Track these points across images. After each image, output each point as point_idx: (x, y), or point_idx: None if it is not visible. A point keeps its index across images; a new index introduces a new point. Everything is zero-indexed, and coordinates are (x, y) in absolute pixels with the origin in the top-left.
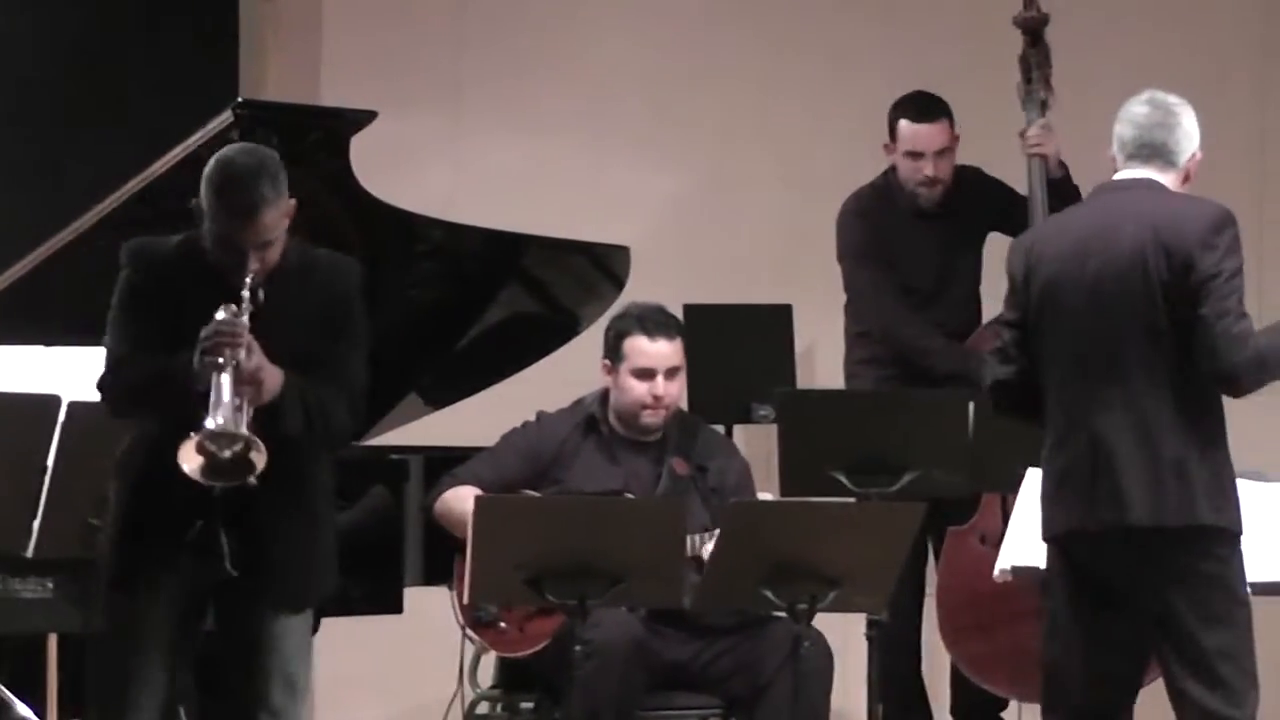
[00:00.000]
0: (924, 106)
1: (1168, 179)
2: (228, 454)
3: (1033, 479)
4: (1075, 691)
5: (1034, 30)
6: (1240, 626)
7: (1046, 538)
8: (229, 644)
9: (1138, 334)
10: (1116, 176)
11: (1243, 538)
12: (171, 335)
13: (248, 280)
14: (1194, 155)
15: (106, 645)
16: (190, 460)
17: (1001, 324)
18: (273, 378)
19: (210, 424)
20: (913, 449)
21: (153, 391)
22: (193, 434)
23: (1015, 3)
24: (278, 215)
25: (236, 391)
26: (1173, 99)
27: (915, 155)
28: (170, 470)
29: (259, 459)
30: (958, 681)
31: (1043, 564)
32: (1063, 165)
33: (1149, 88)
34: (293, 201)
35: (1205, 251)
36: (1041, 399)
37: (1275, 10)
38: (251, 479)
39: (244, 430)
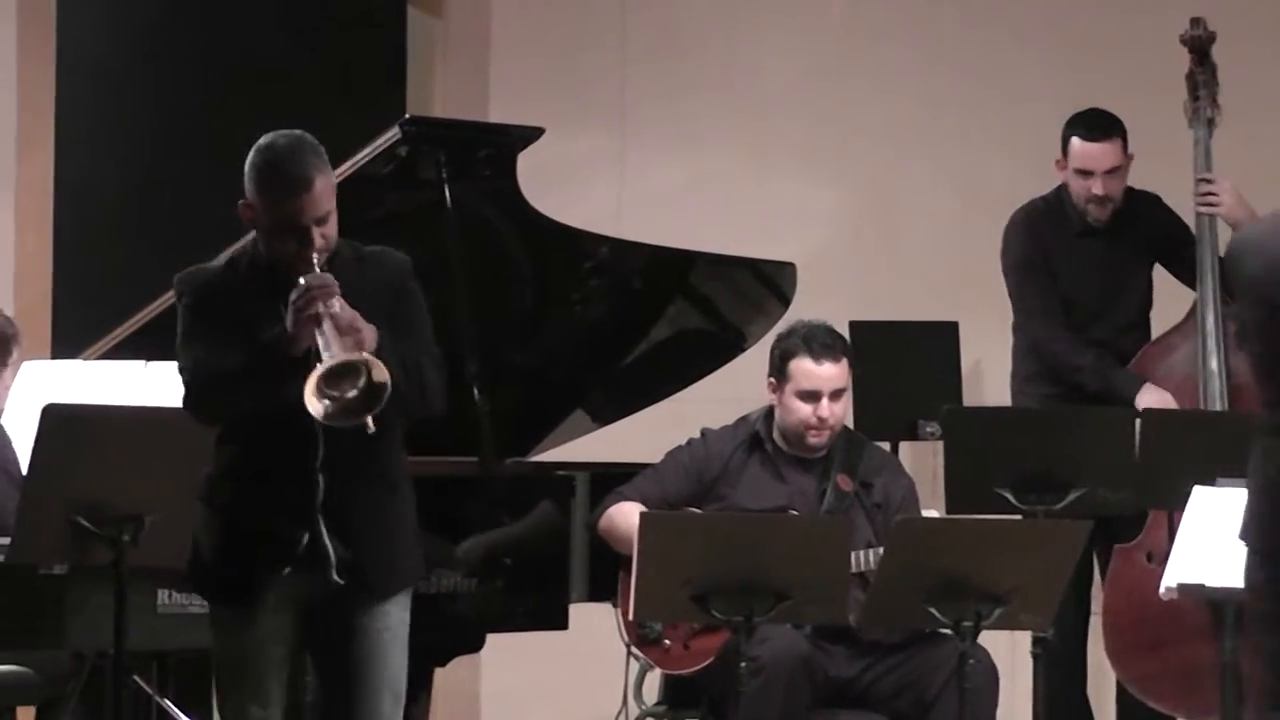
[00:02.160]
0: (1097, 124)
1: None
2: (352, 392)
3: (1199, 496)
4: None
5: (1201, 49)
6: None
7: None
8: (333, 662)
9: None
10: None
11: None
12: (243, 344)
13: (314, 257)
14: None
15: (223, 674)
16: (315, 404)
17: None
18: (369, 328)
19: (327, 360)
20: (1079, 466)
21: (247, 377)
22: (312, 375)
23: (1182, 21)
24: (327, 185)
25: (340, 342)
26: None
27: (1085, 173)
28: (267, 487)
29: (382, 376)
30: (1124, 701)
31: (1209, 581)
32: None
33: None
34: (334, 182)
35: None
36: None
37: None
38: (378, 409)
39: (359, 354)
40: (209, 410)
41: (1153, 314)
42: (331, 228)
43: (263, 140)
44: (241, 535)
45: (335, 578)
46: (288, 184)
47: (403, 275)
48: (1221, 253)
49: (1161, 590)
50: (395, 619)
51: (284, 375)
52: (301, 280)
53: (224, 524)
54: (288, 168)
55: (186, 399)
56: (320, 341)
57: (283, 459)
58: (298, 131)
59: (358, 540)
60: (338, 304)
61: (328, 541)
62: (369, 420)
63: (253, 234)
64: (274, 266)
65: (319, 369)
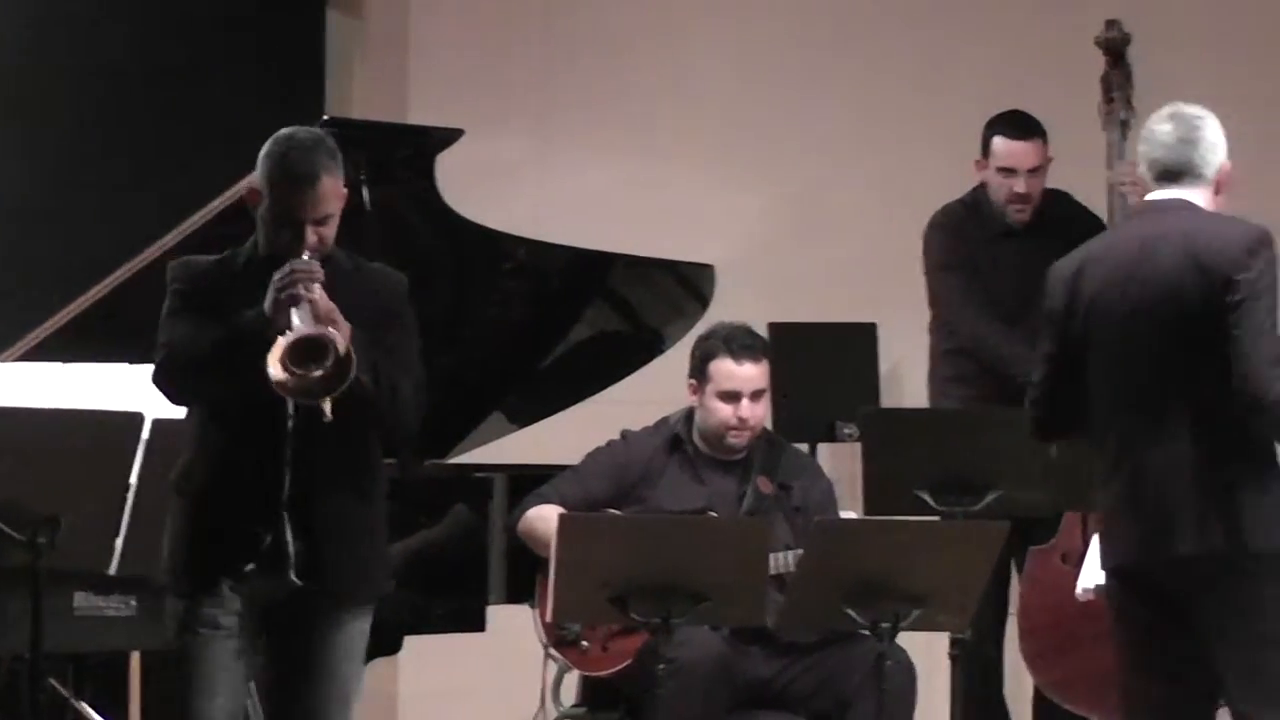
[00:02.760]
0: (1020, 124)
1: (1199, 194)
2: (317, 372)
3: None
4: (1150, 717)
5: (1116, 50)
6: None
7: (1105, 569)
8: (285, 668)
9: (1181, 360)
10: (1149, 198)
11: None
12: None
13: (305, 255)
14: (1222, 165)
15: (181, 673)
16: (277, 372)
17: (1041, 358)
18: (345, 323)
19: (296, 330)
20: (996, 468)
21: (217, 355)
22: (279, 343)
23: (1099, 23)
24: (335, 188)
25: (313, 324)
26: (1194, 110)
27: (1008, 172)
28: (236, 483)
29: (348, 362)
30: (1041, 702)
31: None
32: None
33: (1230, 106)
34: (344, 190)
35: (1240, 272)
36: (1082, 429)
37: None
38: (337, 391)
39: (327, 331)
40: (177, 386)
41: None
42: (330, 231)
43: (284, 130)
44: (205, 528)
45: (294, 578)
46: (296, 176)
47: (397, 296)
48: None
49: (1078, 591)
50: (354, 630)
51: (255, 356)
52: (287, 264)
53: (190, 515)
54: (299, 160)
55: (157, 373)
56: (295, 323)
57: (251, 453)
58: (321, 131)
59: (321, 543)
60: (318, 291)
61: (290, 540)
62: (326, 407)
63: (252, 238)
64: (268, 263)
65: (287, 337)
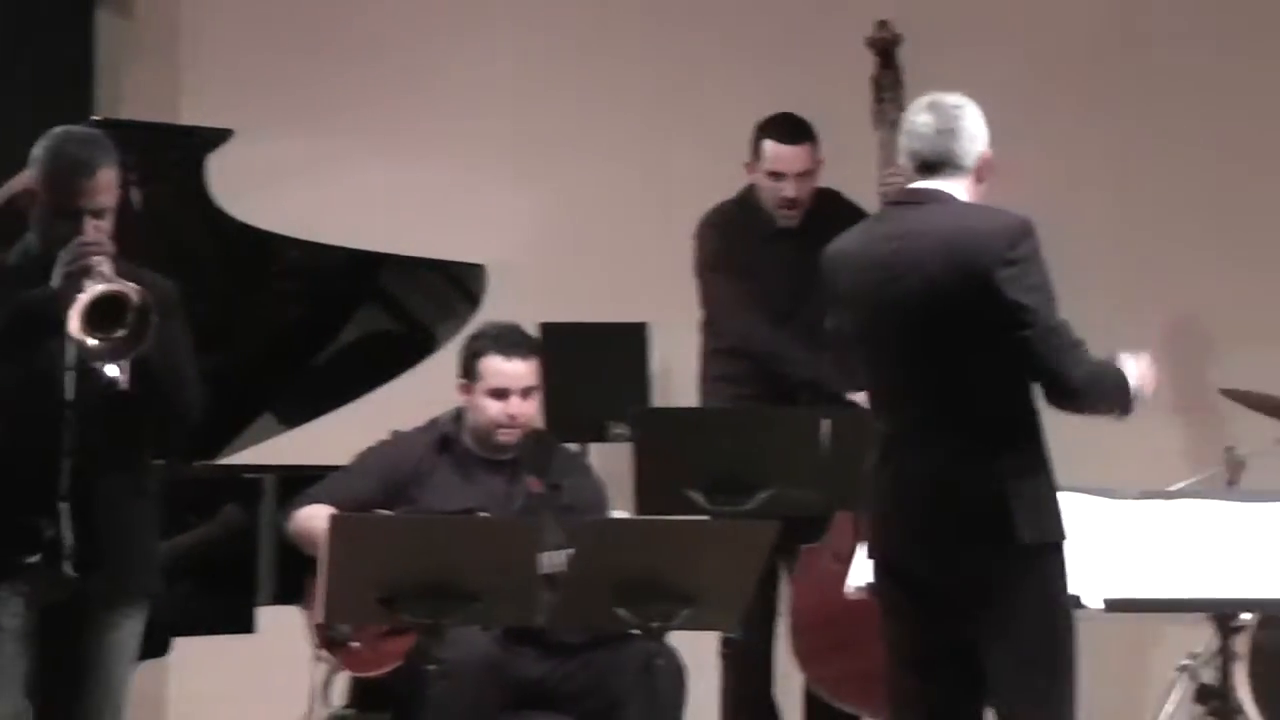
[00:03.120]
0: (790, 128)
1: (960, 185)
2: (120, 332)
3: None
4: (920, 715)
5: (886, 51)
6: (1064, 640)
7: (874, 559)
8: (57, 669)
9: (945, 356)
10: (909, 187)
11: (1066, 546)
12: None
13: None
14: (982, 155)
15: None
16: (83, 336)
17: (832, 334)
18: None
19: (96, 287)
20: (767, 467)
21: (8, 335)
22: (80, 300)
23: (870, 24)
24: (110, 182)
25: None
26: (953, 100)
27: (778, 176)
28: (13, 471)
29: (138, 296)
30: (811, 701)
31: None
32: None
33: (1001, 106)
34: (116, 184)
35: (1002, 266)
36: None
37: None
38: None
39: (125, 285)
40: None
41: None
42: (107, 226)
43: (58, 128)
44: None
45: (69, 571)
46: (73, 165)
47: (168, 303)
48: None
49: (847, 590)
50: (128, 630)
51: (42, 334)
52: (74, 240)
53: None
54: (76, 151)
55: None
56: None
57: (30, 442)
58: (98, 131)
59: (98, 534)
60: (108, 266)
61: (68, 532)
62: (123, 376)
63: (22, 242)
64: (45, 262)
65: (84, 296)
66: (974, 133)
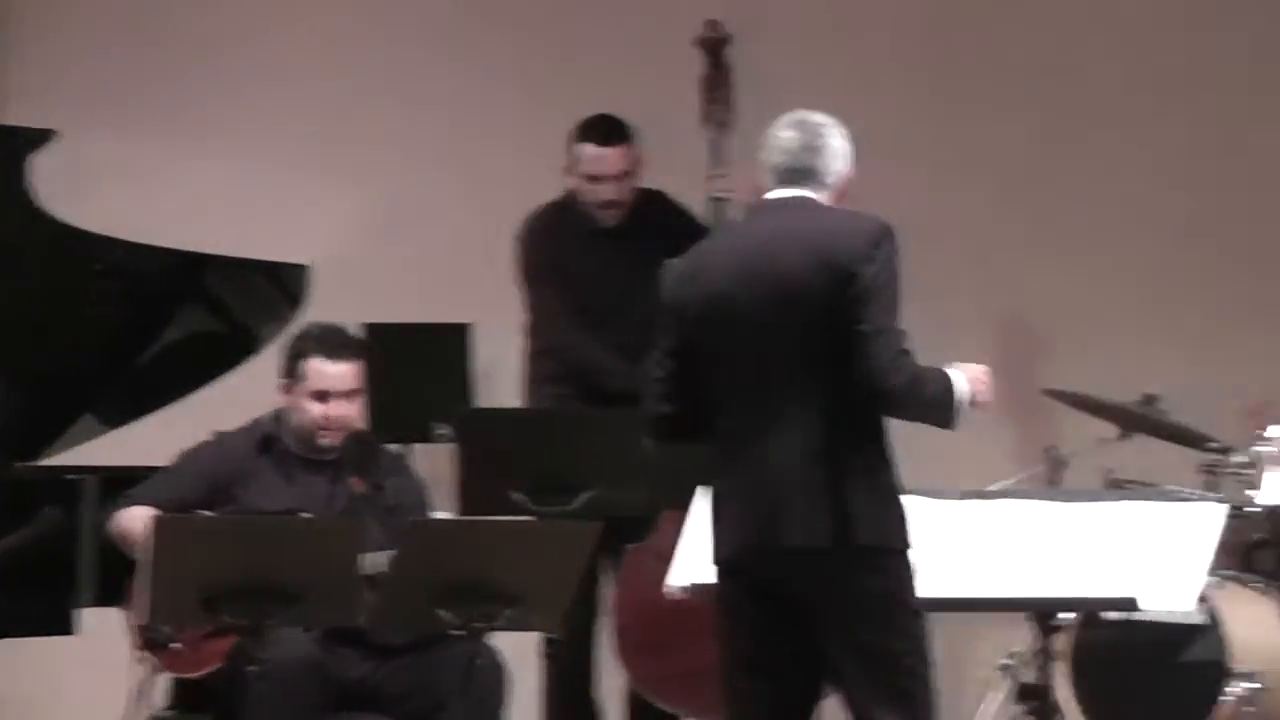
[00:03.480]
0: (606, 131)
1: (821, 198)
2: None
3: (705, 496)
4: (754, 716)
5: (715, 50)
6: (915, 640)
7: (715, 561)
8: None
9: (801, 357)
10: (769, 195)
11: (910, 552)
12: None
13: None
14: (845, 174)
15: None
16: None
17: (661, 353)
18: None
19: None
20: (590, 467)
21: None
22: None
23: (699, 23)
24: None
25: None
26: (820, 118)
27: (596, 179)
28: None
29: None
30: (633, 701)
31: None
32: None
33: (831, 105)
34: None
35: (863, 265)
36: (705, 427)
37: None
38: None
39: None
40: None
41: None
42: None
43: None
44: None
45: None
46: None
47: None
48: None
49: (670, 589)
50: None
51: None
52: None
53: None
54: None
55: None
56: None
57: None
58: None
59: None
60: None
61: None
62: None
63: None
64: None
65: None
66: (838, 151)
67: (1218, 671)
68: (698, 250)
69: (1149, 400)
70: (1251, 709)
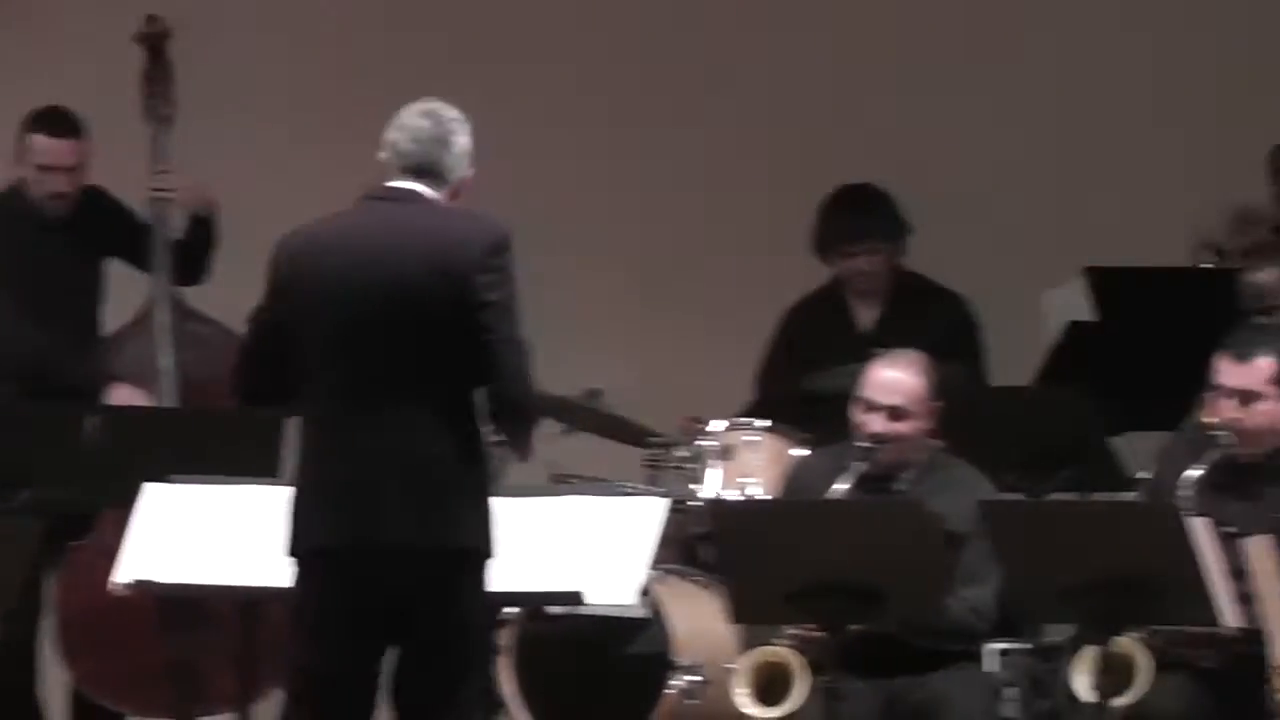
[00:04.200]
0: (58, 122)
1: (438, 196)
2: None
3: (151, 493)
4: (323, 708)
5: (155, 46)
6: (488, 647)
7: (299, 552)
8: None
9: (409, 354)
10: (389, 184)
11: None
12: None
13: None
14: (465, 175)
15: None
16: None
17: (258, 321)
18: None
19: None
20: (30, 464)
21: None
22: None
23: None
24: None
25: None
26: (453, 113)
27: (46, 169)
28: None
29: None
30: (76, 700)
31: (160, 578)
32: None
33: (286, 106)
34: None
35: (484, 274)
36: (292, 395)
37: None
38: None
39: None
40: None
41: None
42: None
43: None
44: None
45: None
46: None
47: None
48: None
49: (113, 585)
50: None
51: None
52: None
53: None
54: None
55: None
56: None
57: None
58: None
59: None
60: None
61: None
62: None
63: None
64: None
65: None
66: (464, 150)
67: (661, 664)
68: (311, 230)
69: (592, 395)
70: (694, 701)
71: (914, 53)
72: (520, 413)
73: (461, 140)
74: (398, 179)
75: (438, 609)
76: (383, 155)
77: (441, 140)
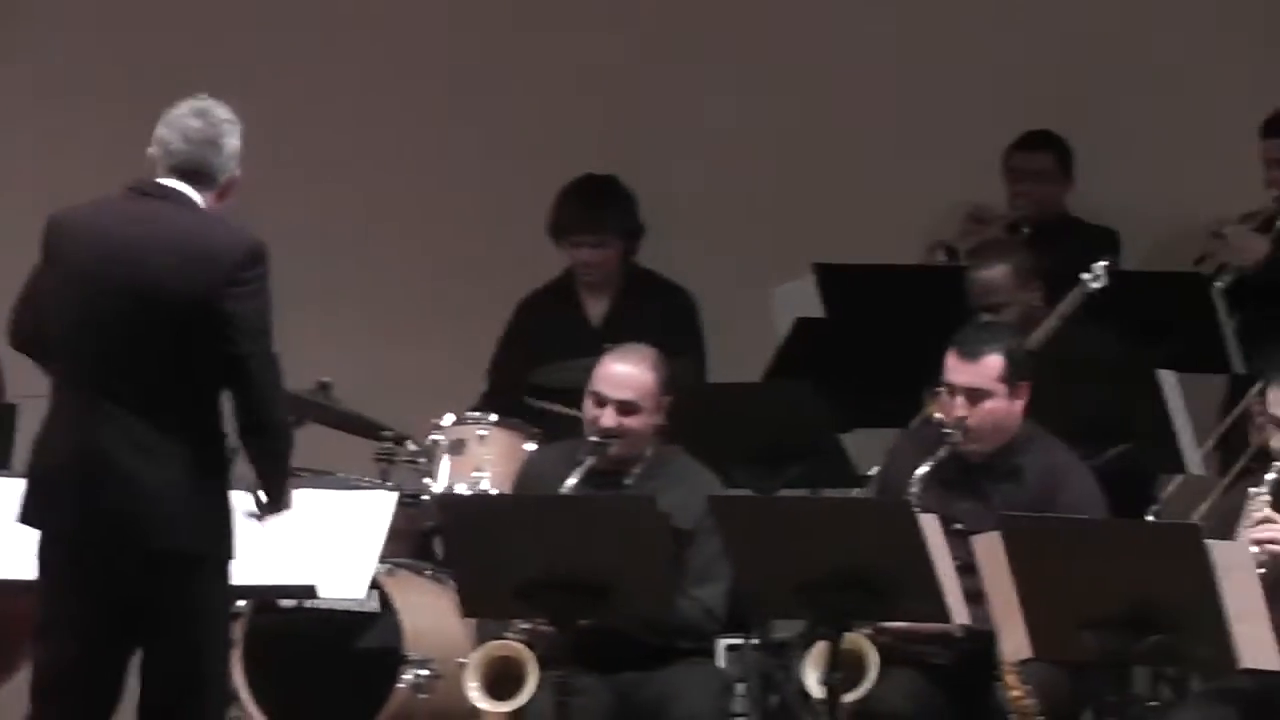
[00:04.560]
0: None
1: (203, 196)
2: None
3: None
4: (67, 692)
5: None
6: (226, 649)
7: (37, 523)
8: None
9: (153, 354)
10: (156, 180)
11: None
12: None
13: None
14: (233, 176)
15: None
16: None
17: (39, 274)
18: None
19: None
20: None
21: None
22: None
23: None
24: None
25: None
26: (225, 114)
27: None
28: None
29: None
30: None
31: None
32: None
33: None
34: None
35: (233, 285)
36: (43, 354)
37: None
38: None
39: None
40: None
41: None
42: None
43: None
44: None
45: None
46: None
47: None
48: None
49: None
50: None
51: None
52: None
53: None
54: None
55: None
56: None
57: None
58: None
59: None
60: None
61: None
62: None
63: None
64: None
65: None
66: (233, 152)
67: (392, 658)
68: (81, 212)
69: (322, 388)
70: (425, 695)
71: (648, 52)
72: (267, 428)
73: (232, 142)
74: (165, 176)
75: (165, 611)
76: (152, 151)
77: (213, 141)
